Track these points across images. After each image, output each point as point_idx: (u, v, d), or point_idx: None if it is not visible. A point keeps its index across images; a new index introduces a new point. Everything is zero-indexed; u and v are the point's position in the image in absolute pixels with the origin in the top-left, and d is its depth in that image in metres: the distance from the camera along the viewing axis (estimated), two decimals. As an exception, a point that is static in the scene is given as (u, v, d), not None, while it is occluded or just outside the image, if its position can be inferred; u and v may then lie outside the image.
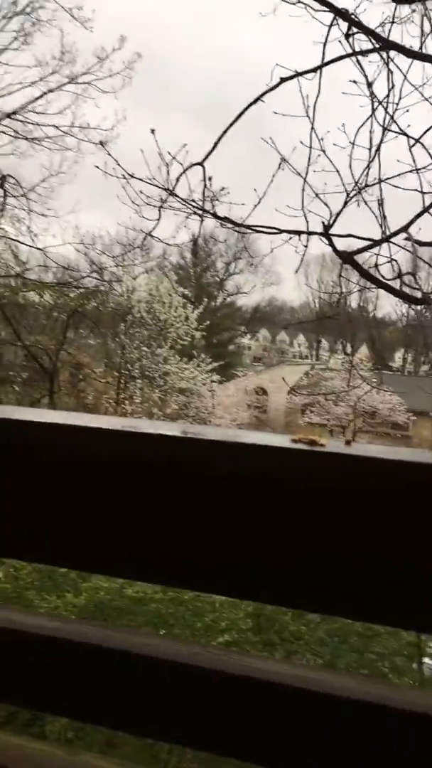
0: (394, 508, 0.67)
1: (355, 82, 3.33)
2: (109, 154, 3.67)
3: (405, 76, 3.26)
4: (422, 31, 3.50)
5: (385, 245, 3.14)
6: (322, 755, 0.72)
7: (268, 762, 0.80)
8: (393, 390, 20.14)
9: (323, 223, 3.03)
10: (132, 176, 3.49)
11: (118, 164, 3.49)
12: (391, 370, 39.33)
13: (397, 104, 3.30)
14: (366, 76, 3.33)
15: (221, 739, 0.76)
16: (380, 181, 3.23)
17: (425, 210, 3.08)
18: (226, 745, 0.78)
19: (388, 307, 43.67)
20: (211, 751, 0.87)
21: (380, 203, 3.16)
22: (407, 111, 3.34)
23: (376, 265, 3.17)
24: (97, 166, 3.82)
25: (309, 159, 3.27)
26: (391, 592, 0.67)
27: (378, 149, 3.28)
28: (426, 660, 4.33)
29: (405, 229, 3.02)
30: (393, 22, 3.53)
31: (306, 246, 3.30)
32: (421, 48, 3.36)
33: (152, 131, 3.39)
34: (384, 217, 3.28)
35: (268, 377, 26.95)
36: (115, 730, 3.25)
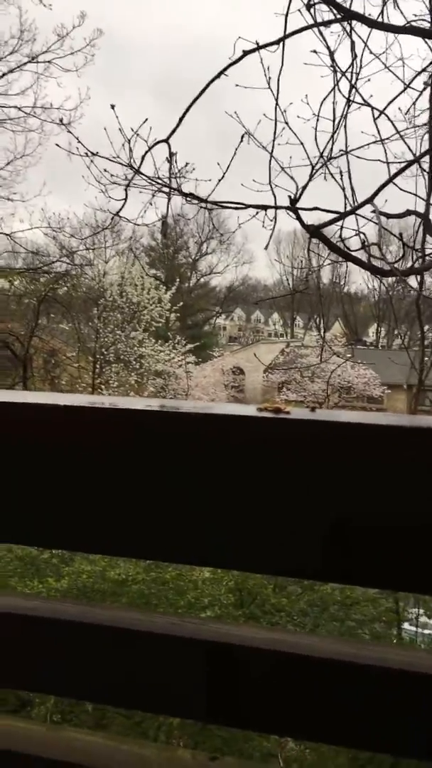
0: (359, 468, 0.68)
1: (315, 52, 3.30)
2: (70, 132, 3.60)
3: (365, 43, 3.24)
4: (383, -1, 3.48)
5: (352, 218, 3.15)
6: (302, 715, 0.73)
7: (252, 726, 0.82)
8: (367, 364, 20.36)
9: (290, 197, 3.02)
10: (96, 155, 3.43)
11: (80, 143, 3.43)
12: (366, 344, 39.70)
13: (358, 74, 3.29)
14: (328, 47, 3.30)
15: (204, 706, 0.77)
16: (345, 152, 3.22)
17: (389, 180, 3.09)
18: (209, 712, 0.79)
19: (360, 282, 43.96)
20: (195, 718, 0.88)
21: (344, 175, 3.16)
22: (368, 80, 3.33)
23: (341, 238, 3.17)
24: (58, 145, 3.75)
25: (275, 132, 3.26)
26: (360, 551, 0.69)
27: (340, 121, 3.27)
28: (405, 625, 4.45)
29: (370, 200, 3.02)
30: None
31: (273, 221, 3.29)
32: (380, 16, 3.33)
33: (112, 107, 3.33)
34: (353, 190, 3.28)
35: (245, 356, 27.02)
36: (99, 703, 3.28)
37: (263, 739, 3.82)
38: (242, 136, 3.29)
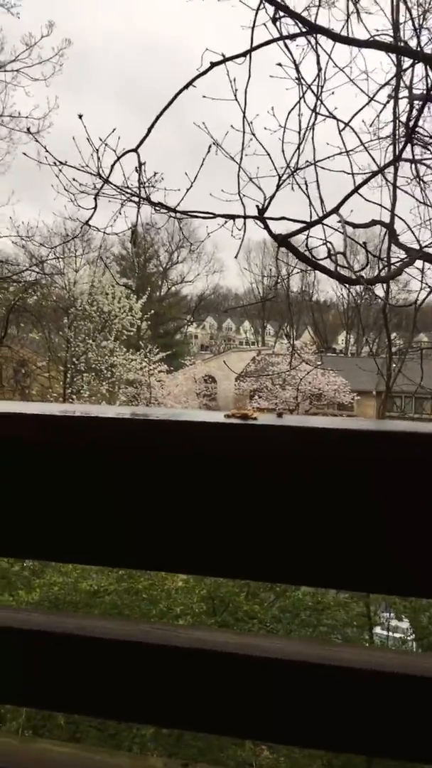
0: (326, 472, 0.69)
1: (281, 65, 3.35)
2: (37, 141, 3.59)
3: (330, 57, 3.31)
4: (347, 13, 3.56)
5: (319, 228, 3.20)
6: (278, 719, 0.74)
7: (229, 731, 0.83)
8: (337, 371, 20.58)
9: (257, 206, 3.06)
10: (64, 164, 3.42)
11: (47, 151, 3.42)
12: (335, 352, 40.11)
13: (323, 86, 3.36)
14: (294, 60, 3.37)
15: (179, 714, 0.78)
16: (312, 164, 3.28)
17: (355, 190, 3.15)
18: (184, 719, 0.80)
19: (329, 290, 44.47)
20: (170, 726, 0.89)
21: (311, 185, 3.22)
22: (333, 93, 3.40)
23: (307, 246, 3.22)
24: (25, 153, 3.73)
25: (243, 143, 3.30)
26: (330, 553, 0.70)
27: (306, 132, 3.33)
28: (377, 629, 4.48)
29: (336, 210, 3.08)
30: (319, 6, 3.58)
31: (241, 230, 3.33)
32: (343, 30, 3.41)
33: (80, 116, 3.33)
34: (321, 201, 3.34)
35: (216, 365, 27.02)
36: (72, 713, 3.23)
37: (238, 747, 3.80)
38: (209, 147, 3.32)
